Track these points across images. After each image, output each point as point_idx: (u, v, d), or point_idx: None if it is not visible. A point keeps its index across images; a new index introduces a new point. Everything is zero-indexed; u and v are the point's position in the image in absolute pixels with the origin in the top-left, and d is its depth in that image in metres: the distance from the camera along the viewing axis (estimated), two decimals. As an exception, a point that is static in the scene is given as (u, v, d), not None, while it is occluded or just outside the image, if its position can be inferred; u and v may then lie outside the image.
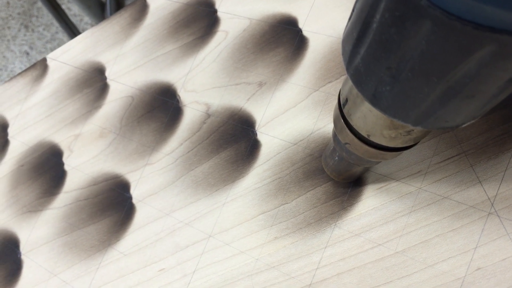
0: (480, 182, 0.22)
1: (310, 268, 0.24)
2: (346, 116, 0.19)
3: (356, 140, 0.20)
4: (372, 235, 0.23)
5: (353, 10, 0.16)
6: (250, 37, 0.30)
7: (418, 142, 0.19)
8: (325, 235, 0.24)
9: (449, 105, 0.15)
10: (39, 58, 1.40)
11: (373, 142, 0.19)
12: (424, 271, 0.22)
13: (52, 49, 1.41)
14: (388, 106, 0.16)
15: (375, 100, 0.16)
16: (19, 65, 1.44)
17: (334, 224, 0.24)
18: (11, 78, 0.38)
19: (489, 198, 0.22)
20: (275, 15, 0.30)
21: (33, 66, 0.37)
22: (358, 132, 0.19)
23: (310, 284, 0.24)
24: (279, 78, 0.28)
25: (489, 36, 0.12)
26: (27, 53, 1.44)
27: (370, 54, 0.15)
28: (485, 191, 0.22)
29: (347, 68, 0.17)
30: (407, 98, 0.15)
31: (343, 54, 0.17)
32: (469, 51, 0.12)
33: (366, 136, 0.19)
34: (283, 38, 0.29)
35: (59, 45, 1.40)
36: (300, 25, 0.29)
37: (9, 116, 0.37)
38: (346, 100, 0.19)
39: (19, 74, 0.38)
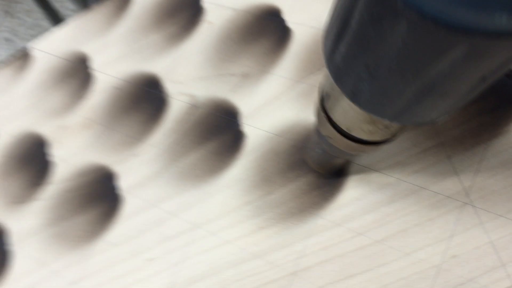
0: (456, 172, 0.23)
1: (293, 257, 0.25)
2: (327, 110, 0.20)
3: (336, 134, 0.20)
4: (353, 224, 0.24)
5: (333, 7, 0.16)
6: (235, 28, 0.30)
7: (397, 136, 0.19)
8: (308, 225, 0.25)
9: (424, 101, 0.15)
10: (21, 44, 1.38)
11: (353, 136, 0.19)
12: (402, 259, 0.23)
13: (34, 36, 1.38)
14: (366, 102, 0.16)
15: (354, 96, 0.16)
16: (1, 52, 1.41)
17: (316, 214, 0.25)
18: (-6, 68, 0.38)
19: (464, 188, 0.22)
20: (259, 5, 0.30)
21: (15, 55, 0.37)
22: (338, 126, 0.19)
23: (294, 272, 0.25)
24: (263, 69, 0.28)
25: (461, 37, 0.12)
26: (9, 40, 1.42)
27: (349, 51, 0.15)
28: (461, 181, 0.22)
29: (327, 64, 0.17)
30: (384, 95, 0.15)
31: (323, 50, 0.17)
32: (443, 51, 0.13)
33: (346, 130, 0.19)
34: (267, 29, 0.29)
35: (41, 32, 1.38)
36: (284, 16, 0.29)
37: (-6, 107, 0.37)
38: (327, 95, 0.19)
39: (3, 64, 0.38)
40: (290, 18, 0.29)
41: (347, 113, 0.18)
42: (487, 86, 0.15)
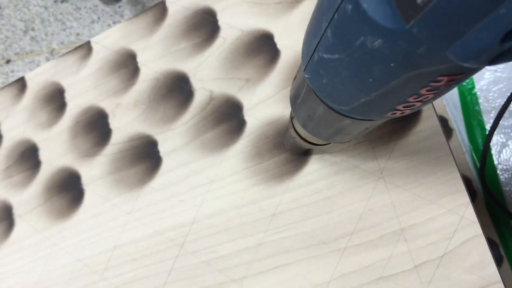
0: (376, 158, 0.35)
1: (274, 205, 0.38)
2: (293, 123, 0.31)
3: (298, 137, 0.32)
4: (312, 186, 0.37)
5: (294, 77, 0.28)
6: (241, 44, 0.41)
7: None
8: (284, 185, 0.38)
9: (338, 136, 0.27)
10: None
11: (307, 140, 0.31)
12: (339, 210, 0.35)
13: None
14: (310, 130, 0.28)
15: (304, 126, 0.28)
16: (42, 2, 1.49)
17: (290, 178, 0.37)
18: (63, 55, 0.49)
19: (380, 169, 0.35)
20: (259, 29, 0.40)
21: (80, 46, 0.48)
22: (298, 133, 0.31)
23: (274, 214, 0.38)
24: (260, 77, 0.40)
25: (345, 117, 0.24)
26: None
27: (300, 106, 0.27)
28: (378, 164, 0.35)
29: (291, 106, 0.29)
30: (319, 129, 0.27)
31: (290, 98, 0.29)
32: (340, 120, 0.24)
33: (303, 136, 0.31)
34: (263, 48, 0.40)
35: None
36: (275, 40, 0.40)
37: (64, 84, 0.49)
38: (293, 116, 0.31)
39: (70, 51, 0.49)
40: (280, 42, 0.39)
41: (302, 129, 0.30)
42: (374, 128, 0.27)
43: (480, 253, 0.31)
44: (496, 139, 0.74)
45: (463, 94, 0.76)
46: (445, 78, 0.17)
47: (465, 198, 0.32)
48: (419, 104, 0.20)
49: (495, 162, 0.73)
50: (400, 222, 0.34)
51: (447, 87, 0.18)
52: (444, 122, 0.76)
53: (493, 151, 0.73)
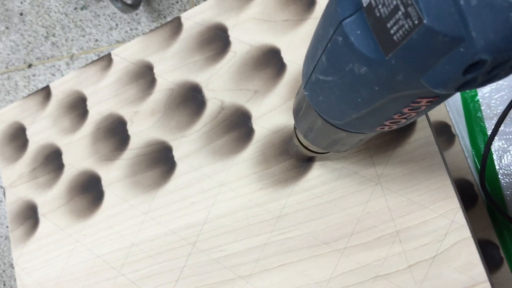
0: (374, 165, 0.37)
1: (280, 207, 0.40)
2: (296, 133, 0.34)
3: (301, 146, 0.34)
4: (315, 191, 0.39)
5: (296, 93, 0.30)
6: (250, 58, 0.43)
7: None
8: (289, 189, 0.40)
9: (336, 146, 0.29)
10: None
11: (309, 149, 0.34)
12: (340, 212, 0.38)
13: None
14: (311, 140, 0.30)
15: (305, 136, 0.31)
16: None
17: (294, 183, 0.40)
18: (85, 65, 0.52)
19: (377, 175, 0.37)
20: (266, 45, 0.43)
21: (101, 58, 0.51)
22: (301, 142, 0.34)
23: (279, 216, 0.40)
24: (267, 89, 0.42)
25: (341, 130, 0.26)
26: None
27: (301, 119, 0.29)
28: (376, 171, 0.37)
29: (294, 118, 0.31)
30: (318, 140, 0.30)
31: (292, 111, 0.31)
32: (336, 132, 0.27)
33: (305, 146, 0.33)
34: (270, 62, 0.42)
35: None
36: (282, 54, 0.42)
37: (86, 93, 0.52)
38: (296, 127, 0.33)
39: (92, 62, 0.52)
40: (286, 56, 0.42)
41: (304, 139, 0.32)
42: (369, 138, 0.29)
43: (469, 254, 0.33)
44: (497, 145, 0.75)
45: (466, 101, 0.78)
46: (423, 100, 0.19)
47: (455, 203, 0.34)
48: (404, 120, 0.22)
49: (497, 167, 0.74)
50: (396, 225, 0.36)
51: (427, 107, 0.20)
52: (447, 127, 0.77)
53: (495, 156, 0.74)
